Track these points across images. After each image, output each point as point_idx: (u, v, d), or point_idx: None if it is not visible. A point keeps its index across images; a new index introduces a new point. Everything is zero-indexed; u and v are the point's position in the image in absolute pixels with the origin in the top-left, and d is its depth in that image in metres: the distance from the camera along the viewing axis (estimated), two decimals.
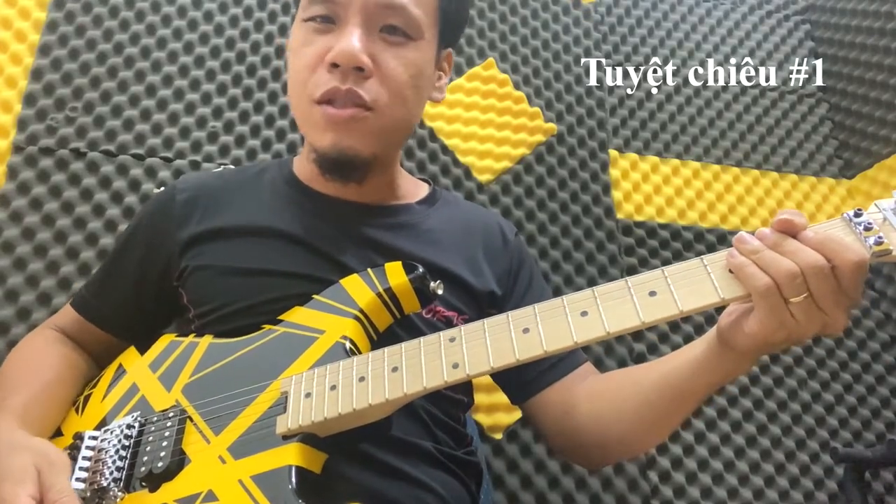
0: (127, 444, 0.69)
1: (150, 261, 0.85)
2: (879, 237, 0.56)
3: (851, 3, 1.75)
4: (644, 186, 1.56)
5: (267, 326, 0.74)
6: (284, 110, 1.39)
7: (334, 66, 0.74)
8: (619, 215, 1.51)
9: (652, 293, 0.59)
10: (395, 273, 0.73)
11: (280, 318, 0.75)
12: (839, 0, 1.79)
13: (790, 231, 0.58)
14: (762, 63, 1.78)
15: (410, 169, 1.39)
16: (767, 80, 1.77)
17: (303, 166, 0.89)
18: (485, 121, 1.49)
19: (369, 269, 0.74)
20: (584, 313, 0.60)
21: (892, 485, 1.40)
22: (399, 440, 0.72)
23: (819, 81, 1.80)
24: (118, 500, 0.65)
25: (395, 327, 0.75)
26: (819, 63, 1.83)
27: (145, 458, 0.67)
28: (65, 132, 1.26)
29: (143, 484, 0.65)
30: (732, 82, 1.74)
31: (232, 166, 1.30)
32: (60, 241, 1.20)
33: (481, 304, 0.85)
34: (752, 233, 0.59)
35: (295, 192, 0.87)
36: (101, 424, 0.74)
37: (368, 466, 0.69)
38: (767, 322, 0.56)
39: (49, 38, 1.31)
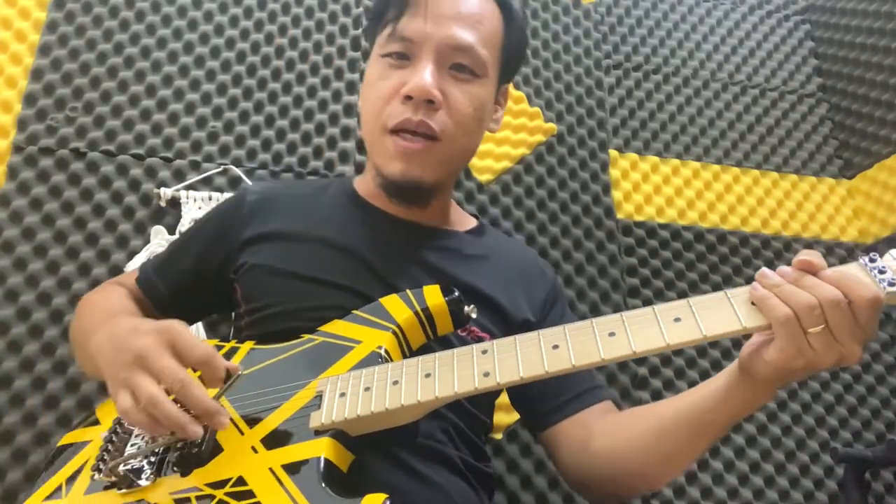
0: None
1: (213, 252, 0.91)
2: (893, 279, 0.60)
3: (851, 3, 1.75)
4: (644, 186, 1.56)
5: (306, 336, 0.78)
6: (284, 110, 1.39)
7: (408, 98, 0.81)
8: (619, 215, 1.51)
9: (677, 319, 0.62)
10: (433, 295, 0.77)
11: (319, 328, 0.79)
12: (839, 0, 1.79)
13: (809, 270, 0.61)
14: (762, 63, 1.78)
15: None
16: (767, 80, 1.77)
17: (365, 184, 0.95)
18: None
19: (408, 290, 0.79)
20: (611, 334, 0.63)
21: (892, 485, 1.40)
22: (424, 446, 0.75)
23: (819, 81, 1.80)
24: (150, 482, 0.67)
25: (429, 342, 0.79)
26: (819, 63, 1.83)
27: (179, 445, 0.69)
28: (65, 132, 1.26)
29: (175, 469, 0.68)
30: (732, 82, 1.74)
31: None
32: (60, 241, 1.20)
33: (514, 331, 0.89)
34: (774, 269, 0.63)
35: (355, 206, 0.93)
36: None
37: (392, 466, 0.72)
38: (787, 350, 0.60)
39: (49, 38, 1.31)
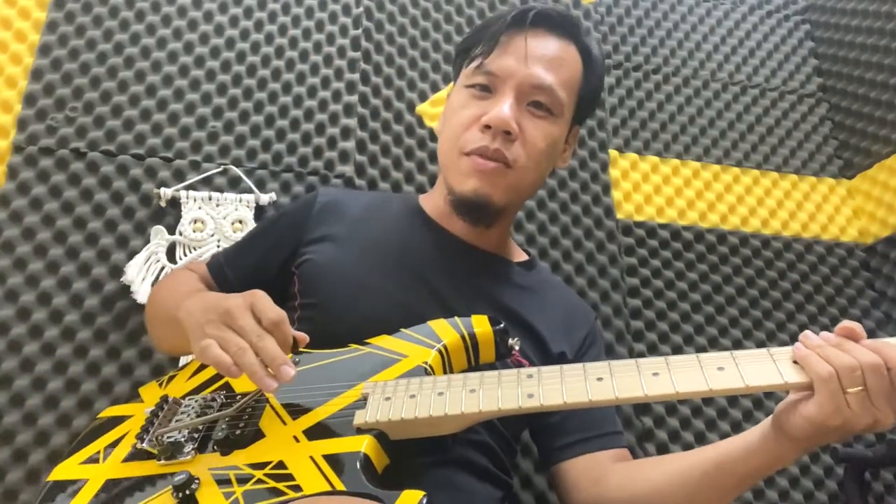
0: (209, 411, 0.75)
1: (281, 246, 0.98)
2: None
3: (851, 3, 1.75)
4: (644, 186, 1.56)
5: (354, 346, 0.81)
6: (284, 110, 1.38)
7: (487, 127, 0.87)
8: (619, 215, 1.51)
9: (720, 368, 0.65)
10: (481, 323, 0.80)
11: (367, 341, 0.82)
12: (839, 0, 1.79)
13: (851, 336, 0.65)
14: (762, 63, 1.78)
15: (410, 169, 1.40)
16: (767, 80, 1.77)
17: (432, 203, 1.00)
18: None
19: (456, 318, 0.81)
20: (655, 374, 0.66)
21: (892, 485, 1.40)
22: (455, 457, 0.78)
23: (819, 81, 1.80)
24: (190, 457, 0.69)
25: (470, 368, 0.81)
26: (819, 63, 1.83)
27: (223, 426, 0.72)
28: (65, 132, 1.26)
29: (216, 448, 0.70)
30: (732, 82, 1.74)
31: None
32: (60, 241, 1.20)
33: (551, 361, 0.93)
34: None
35: (420, 223, 0.98)
36: (185, 396, 0.81)
37: (423, 474, 0.75)
38: (826, 406, 0.62)
39: (49, 38, 1.31)
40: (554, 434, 0.91)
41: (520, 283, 0.97)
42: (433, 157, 1.43)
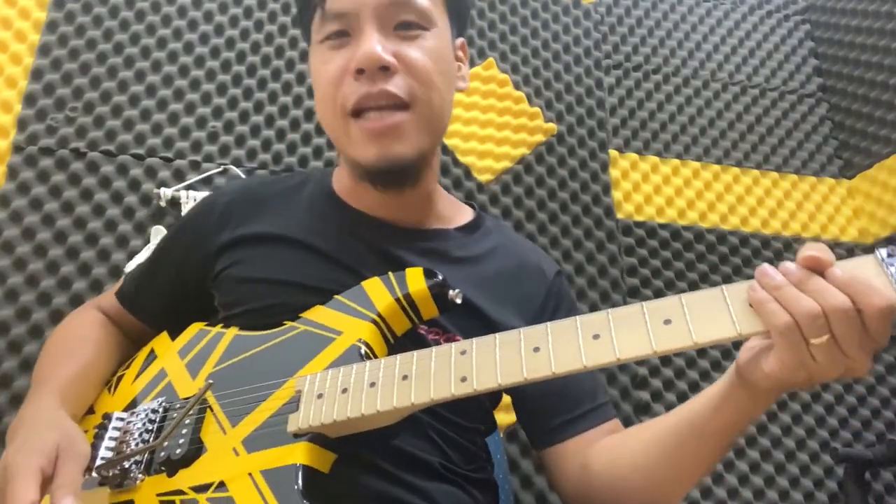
0: (151, 428, 0.73)
1: (190, 261, 0.88)
2: None
3: (851, 3, 1.75)
4: (644, 186, 1.56)
5: (288, 323, 0.77)
6: (284, 110, 1.39)
7: (360, 72, 0.75)
8: (619, 215, 1.51)
9: (667, 321, 0.57)
10: (415, 279, 0.74)
11: (301, 315, 0.76)
12: (839, 0, 1.79)
13: (816, 268, 0.54)
14: (762, 63, 1.78)
15: None
16: (767, 80, 1.77)
17: (340, 181, 0.89)
18: (485, 121, 1.49)
19: (390, 273, 0.75)
20: (595, 336, 0.59)
21: (892, 485, 1.40)
22: (405, 452, 0.73)
23: (819, 81, 1.80)
24: (138, 481, 0.68)
25: (407, 344, 0.74)
26: (819, 63, 1.83)
27: (166, 444, 0.70)
28: (65, 132, 1.26)
29: (163, 468, 0.69)
30: (732, 82, 1.74)
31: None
32: (60, 241, 1.20)
33: None
34: (777, 266, 0.56)
35: (331, 206, 0.87)
36: (130, 406, 0.78)
37: (372, 470, 0.71)
38: (787, 362, 0.54)
39: (49, 38, 1.31)
40: (536, 418, 0.85)
41: (453, 254, 0.86)
42: None
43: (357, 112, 0.76)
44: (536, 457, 1.24)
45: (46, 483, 0.63)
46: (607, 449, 0.79)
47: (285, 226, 0.85)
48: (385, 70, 0.75)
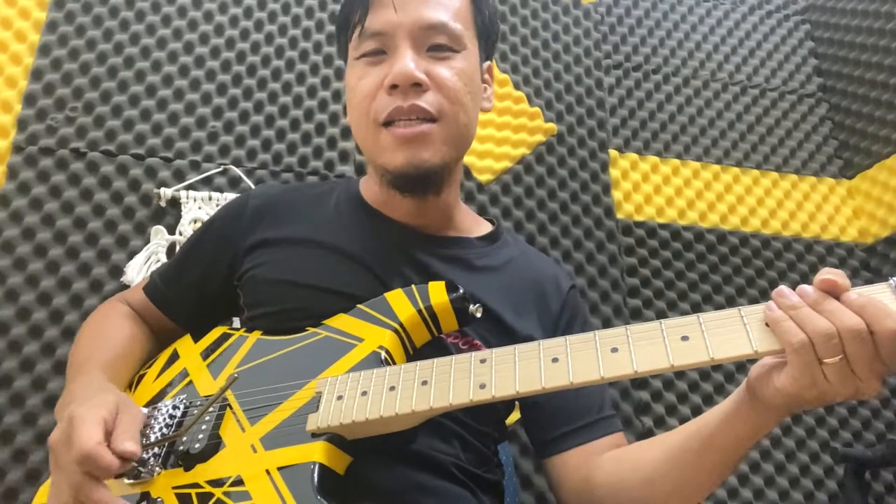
0: (171, 423, 0.74)
1: (217, 259, 0.90)
2: None
3: (851, 3, 1.75)
4: (644, 186, 1.56)
5: (310, 329, 0.79)
6: (284, 110, 1.39)
7: (393, 87, 0.80)
8: (619, 215, 1.51)
9: (685, 338, 0.59)
10: (437, 292, 0.77)
11: (324, 322, 0.79)
12: (839, 0, 1.79)
13: (832, 291, 0.56)
14: (762, 63, 1.78)
15: None
16: (767, 80, 1.77)
17: (369, 188, 0.93)
18: (485, 121, 1.49)
19: (413, 286, 0.78)
20: (614, 349, 0.61)
21: (892, 485, 1.40)
22: (421, 453, 0.75)
23: (819, 81, 1.80)
24: (155, 474, 0.69)
25: (429, 351, 0.77)
26: (819, 63, 1.83)
27: (185, 439, 0.71)
28: (65, 132, 1.26)
29: (180, 462, 0.69)
30: (732, 82, 1.74)
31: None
32: (60, 241, 1.20)
33: None
34: (794, 288, 0.58)
35: (358, 211, 0.91)
36: (151, 403, 0.80)
37: (388, 471, 0.72)
38: (799, 379, 0.56)
39: (49, 38, 1.31)
40: (543, 426, 0.87)
41: (475, 264, 0.89)
42: None
43: (388, 123, 0.81)
44: (536, 457, 1.24)
45: (107, 436, 0.65)
46: (612, 461, 0.80)
47: (313, 230, 0.88)
48: (417, 87, 0.80)
